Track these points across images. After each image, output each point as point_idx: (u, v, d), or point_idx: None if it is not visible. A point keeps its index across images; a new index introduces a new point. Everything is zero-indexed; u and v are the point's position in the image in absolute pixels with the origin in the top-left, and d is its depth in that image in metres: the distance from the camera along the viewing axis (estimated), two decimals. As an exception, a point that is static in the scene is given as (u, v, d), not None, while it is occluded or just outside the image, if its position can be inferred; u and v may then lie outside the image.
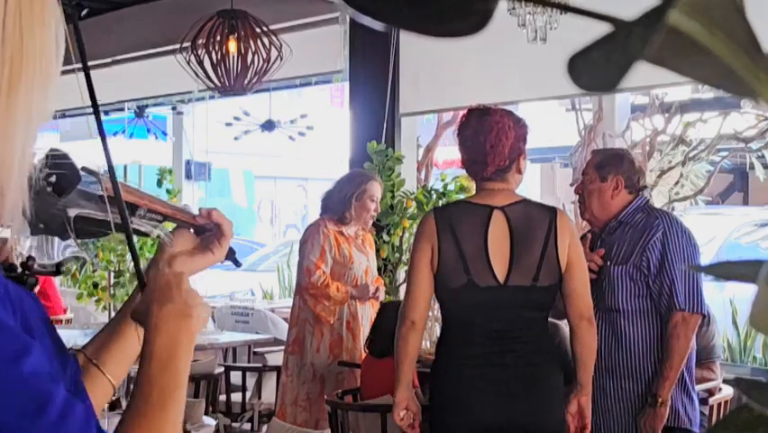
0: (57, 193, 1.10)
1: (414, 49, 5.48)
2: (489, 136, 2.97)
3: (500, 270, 2.94)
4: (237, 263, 1.39)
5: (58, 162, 1.09)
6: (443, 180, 5.53)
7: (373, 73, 5.69)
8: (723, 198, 11.42)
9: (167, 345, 1.03)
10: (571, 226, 3.03)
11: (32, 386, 0.84)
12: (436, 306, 3.56)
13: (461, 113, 3.21)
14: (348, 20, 5.73)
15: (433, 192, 5.47)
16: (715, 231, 7.76)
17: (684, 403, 3.35)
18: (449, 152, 8.92)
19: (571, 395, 3.01)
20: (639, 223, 3.34)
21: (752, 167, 6.69)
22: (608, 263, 3.33)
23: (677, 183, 5.96)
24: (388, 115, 5.60)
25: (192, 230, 1.30)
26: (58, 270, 1.29)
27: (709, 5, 0.30)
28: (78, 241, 1.17)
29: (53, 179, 1.09)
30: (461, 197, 5.08)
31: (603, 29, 0.31)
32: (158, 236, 1.24)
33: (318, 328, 4.68)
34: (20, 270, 1.17)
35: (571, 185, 3.43)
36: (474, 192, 3.14)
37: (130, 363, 1.25)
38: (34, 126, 0.93)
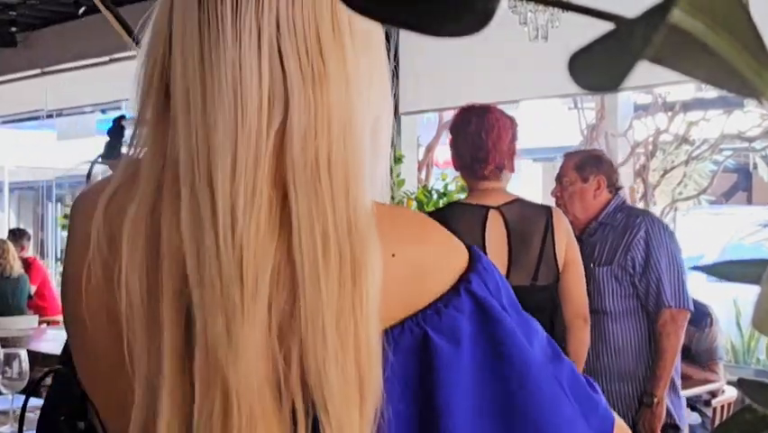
0: None
1: (414, 48, 5.48)
2: (491, 134, 2.96)
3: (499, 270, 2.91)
4: None
5: None
6: (443, 180, 5.52)
7: (375, 73, 5.68)
8: (727, 197, 11.42)
9: None
10: (567, 225, 3.01)
11: (580, 381, 0.86)
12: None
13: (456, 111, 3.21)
14: (350, 19, 5.72)
15: (433, 192, 5.47)
16: (719, 231, 7.76)
17: (674, 402, 3.35)
18: (450, 151, 8.91)
19: None
20: (620, 223, 3.33)
21: (755, 166, 6.70)
22: (592, 265, 3.30)
23: (680, 183, 5.97)
24: (390, 114, 5.59)
25: None
26: None
27: (713, 4, 0.30)
28: None
29: None
30: (463, 197, 5.06)
31: (605, 27, 0.31)
32: None
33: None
34: None
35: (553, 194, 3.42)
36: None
37: None
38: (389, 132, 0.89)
